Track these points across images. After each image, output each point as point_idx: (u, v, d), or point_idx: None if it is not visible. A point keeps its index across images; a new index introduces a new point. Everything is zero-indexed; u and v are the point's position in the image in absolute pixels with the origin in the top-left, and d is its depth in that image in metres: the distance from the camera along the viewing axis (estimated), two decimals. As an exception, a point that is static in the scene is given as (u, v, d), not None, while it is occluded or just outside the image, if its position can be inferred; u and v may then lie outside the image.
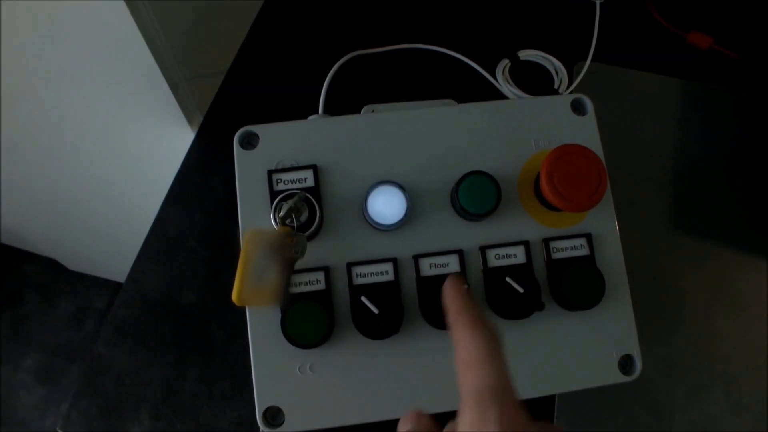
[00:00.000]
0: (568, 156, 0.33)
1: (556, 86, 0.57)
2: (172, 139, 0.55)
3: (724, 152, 0.57)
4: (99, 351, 0.47)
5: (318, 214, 0.34)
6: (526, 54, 0.59)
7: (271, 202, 0.35)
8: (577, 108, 0.38)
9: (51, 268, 1.31)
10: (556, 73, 0.58)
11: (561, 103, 0.38)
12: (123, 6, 0.39)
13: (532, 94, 0.56)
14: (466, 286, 0.29)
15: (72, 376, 1.25)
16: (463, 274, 0.35)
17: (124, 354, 0.47)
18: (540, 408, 0.45)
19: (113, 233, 1.00)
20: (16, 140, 0.72)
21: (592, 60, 0.59)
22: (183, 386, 0.46)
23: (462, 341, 0.25)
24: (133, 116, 0.55)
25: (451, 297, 0.28)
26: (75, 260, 1.26)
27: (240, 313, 0.48)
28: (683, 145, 0.57)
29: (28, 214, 1.04)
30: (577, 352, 0.35)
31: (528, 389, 0.35)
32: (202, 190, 0.51)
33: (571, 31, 0.61)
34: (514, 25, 0.61)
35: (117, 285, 1.33)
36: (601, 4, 0.62)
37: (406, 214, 0.34)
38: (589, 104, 0.38)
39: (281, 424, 0.33)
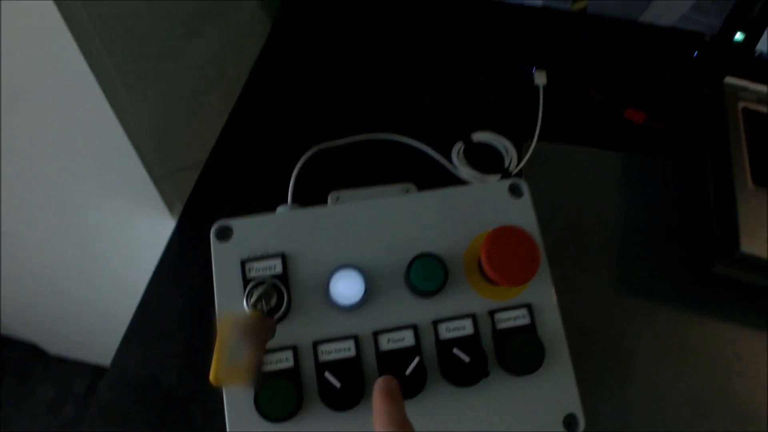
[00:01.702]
0: (503, 237, 0.38)
1: (506, 165, 0.63)
2: (153, 228, 0.60)
3: (663, 216, 0.62)
4: (84, 434, 0.49)
5: (286, 298, 0.38)
6: (479, 136, 0.65)
7: (245, 289, 0.39)
8: (515, 191, 0.44)
9: (30, 353, 1.30)
10: (506, 151, 0.64)
11: (500, 187, 0.43)
12: (107, 107, 0.43)
13: (484, 173, 0.62)
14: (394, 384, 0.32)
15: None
16: (417, 347, 0.38)
17: (108, 437, 0.49)
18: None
19: (93, 316, 1.01)
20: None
21: (538, 139, 0.65)
22: (164, 466, 0.48)
23: None
24: (116, 205, 0.60)
25: (374, 402, 0.31)
26: (55, 343, 1.26)
27: (218, 393, 0.50)
28: (625, 212, 0.62)
29: (7, 297, 1.05)
30: (524, 414, 0.39)
31: (481, 452, 0.38)
32: (182, 276, 0.55)
33: (519, 113, 0.68)
34: (468, 110, 0.68)
35: (97, 368, 1.32)
36: (544, 87, 0.69)
37: (364, 295, 0.38)
38: (524, 187, 0.43)
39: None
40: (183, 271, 0.55)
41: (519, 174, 0.63)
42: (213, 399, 0.50)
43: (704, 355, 0.54)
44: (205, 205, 0.59)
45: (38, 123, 0.49)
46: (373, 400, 0.31)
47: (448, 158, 0.63)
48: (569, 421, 0.39)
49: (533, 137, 0.65)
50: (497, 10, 0.76)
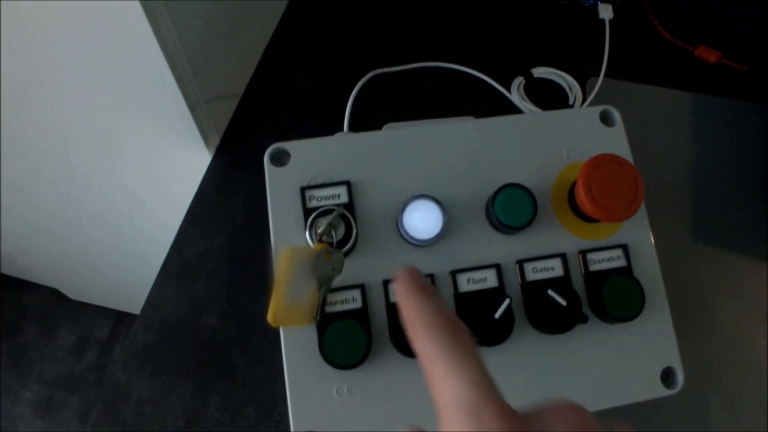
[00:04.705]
0: (604, 165, 0.33)
1: (570, 102, 0.58)
2: (188, 161, 0.55)
3: (739, 160, 0.57)
4: (117, 378, 0.46)
5: (354, 230, 0.33)
6: (540, 71, 0.59)
7: (305, 219, 0.34)
8: (606, 120, 0.38)
9: (52, 297, 1.28)
10: (570, 89, 0.58)
11: (589, 115, 0.38)
12: (148, 28, 0.39)
13: (547, 111, 0.56)
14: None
15: (72, 408, 1.22)
16: (501, 289, 0.34)
17: (144, 381, 0.45)
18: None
19: (116, 261, 0.98)
20: (20, 168, 0.71)
21: (605, 76, 0.59)
22: (205, 414, 0.45)
23: (419, 353, 0.21)
24: (150, 134, 0.55)
25: (400, 302, 0.23)
26: (76, 289, 1.24)
27: (263, 336, 0.47)
28: (698, 154, 0.57)
29: (29, 242, 1.02)
30: (617, 366, 0.34)
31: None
32: (220, 211, 0.51)
33: (583, 49, 0.62)
34: (528, 44, 0.62)
35: (119, 314, 1.31)
36: (610, 21, 0.63)
37: (443, 229, 0.34)
38: (617, 115, 0.38)
39: (320, 448, 0.31)
40: (221, 206, 0.51)
41: (584, 113, 0.57)
42: (258, 343, 0.46)
43: (786, 311, 0.49)
44: (243, 136, 0.54)
45: (78, 45, 0.44)
46: (398, 301, 0.23)
47: (509, 93, 0.57)
48: (667, 375, 0.34)
49: (599, 74, 0.59)
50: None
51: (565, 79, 0.59)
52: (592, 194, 0.33)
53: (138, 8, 0.37)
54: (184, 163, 0.55)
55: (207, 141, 0.53)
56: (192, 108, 0.48)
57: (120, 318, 1.30)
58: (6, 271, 1.25)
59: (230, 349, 0.46)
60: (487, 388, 0.20)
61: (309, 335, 0.33)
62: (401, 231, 0.34)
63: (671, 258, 0.51)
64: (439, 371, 0.20)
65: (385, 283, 0.34)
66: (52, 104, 0.54)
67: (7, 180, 0.75)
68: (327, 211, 0.33)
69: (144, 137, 0.55)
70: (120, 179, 0.67)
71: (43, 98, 0.53)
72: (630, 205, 0.33)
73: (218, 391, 0.45)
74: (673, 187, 0.55)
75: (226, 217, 0.50)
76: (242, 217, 0.50)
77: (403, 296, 0.23)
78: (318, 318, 0.33)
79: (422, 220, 0.33)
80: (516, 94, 0.57)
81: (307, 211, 0.34)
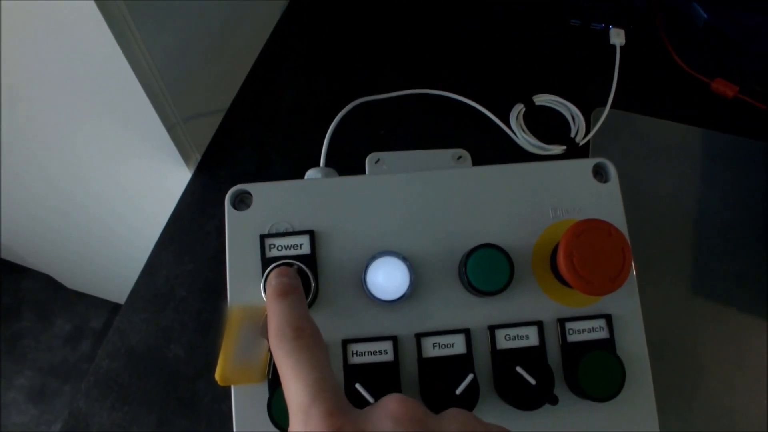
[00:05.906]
0: (589, 233, 0.30)
1: (572, 134, 0.55)
2: (168, 178, 0.53)
3: (750, 207, 0.54)
4: (79, 406, 0.44)
5: (313, 285, 0.31)
6: (542, 99, 0.56)
7: (263, 270, 0.32)
8: (599, 173, 0.35)
9: (49, 284, 1.28)
10: (573, 119, 0.55)
11: (581, 168, 0.35)
12: (118, 50, 0.37)
13: (546, 142, 0.53)
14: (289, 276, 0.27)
15: (65, 397, 1.22)
16: (469, 357, 0.32)
17: (105, 411, 0.44)
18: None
19: (111, 255, 0.97)
20: (17, 158, 0.70)
21: (612, 107, 0.56)
22: (166, 449, 0.43)
23: (273, 356, 0.24)
24: (130, 155, 0.53)
25: (267, 306, 0.25)
26: (73, 279, 1.24)
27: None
28: (706, 199, 0.54)
29: (26, 230, 1.02)
30: (592, 445, 0.32)
31: (537, 486, 0.31)
32: (195, 235, 0.49)
33: (590, 76, 0.59)
34: (530, 69, 0.59)
35: (115, 305, 1.30)
36: (621, 47, 0.59)
37: (408, 289, 0.31)
38: (612, 170, 0.35)
39: None
40: (196, 230, 0.49)
41: (586, 146, 0.54)
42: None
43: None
44: (224, 156, 0.52)
45: (48, 63, 0.42)
46: (266, 304, 0.26)
47: (506, 122, 0.54)
48: (644, 460, 0.32)
49: (605, 104, 0.56)
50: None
51: (568, 109, 0.56)
52: (573, 264, 0.30)
53: (101, 21, 0.35)
54: (163, 179, 0.53)
55: (187, 159, 0.51)
56: (170, 128, 0.46)
57: (115, 309, 1.30)
58: (4, 256, 1.25)
59: (195, 382, 0.45)
60: (317, 389, 0.21)
61: (262, 394, 0.31)
62: (365, 288, 0.32)
63: (665, 313, 0.48)
64: (283, 374, 0.23)
65: (345, 344, 0.32)
66: (37, 111, 0.52)
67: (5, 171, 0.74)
68: (285, 264, 0.31)
69: (123, 153, 0.53)
70: (106, 188, 0.65)
71: (26, 109, 0.51)
72: (615, 279, 0.30)
73: (180, 426, 0.44)
74: (674, 233, 0.52)
75: (200, 242, 0.48)
76: (217, 243, 0.48)
77: (268, 299, 0.26)
78: (270, 377, 0.31)
79: (387, 279, 0.31)
80: (514, 123, 0.54)
81: (265, 261, 0.32)
